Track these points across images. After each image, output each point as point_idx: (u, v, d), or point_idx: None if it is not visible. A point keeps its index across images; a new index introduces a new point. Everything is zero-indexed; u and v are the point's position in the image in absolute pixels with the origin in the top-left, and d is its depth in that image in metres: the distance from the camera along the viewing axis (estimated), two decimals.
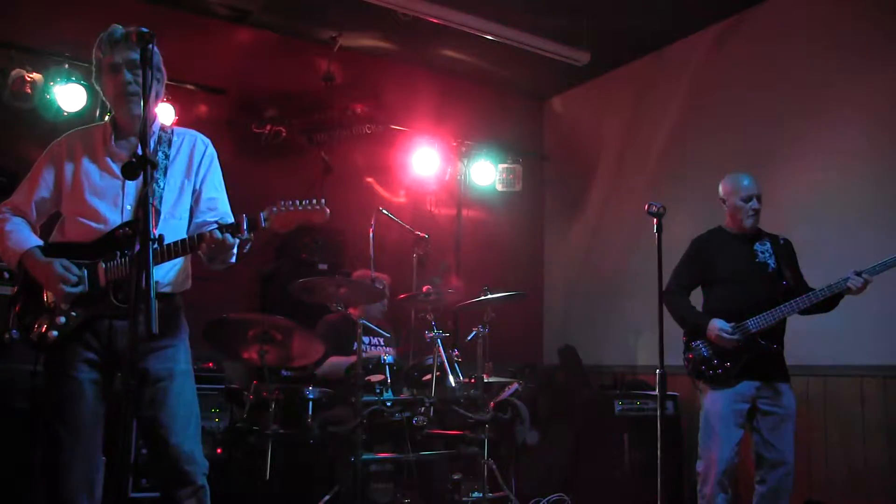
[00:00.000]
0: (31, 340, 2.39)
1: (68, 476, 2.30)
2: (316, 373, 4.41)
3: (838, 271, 3.46)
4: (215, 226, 2.34)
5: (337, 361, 4.36)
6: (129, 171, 2.01)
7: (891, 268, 3.36)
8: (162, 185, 2.45)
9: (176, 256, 2.38)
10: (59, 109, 4.70)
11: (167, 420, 2.39)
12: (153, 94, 2.47)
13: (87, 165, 2.46)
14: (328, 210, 2.31)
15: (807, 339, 3.93)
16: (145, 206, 1.96)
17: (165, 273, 2.48)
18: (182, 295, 2.60)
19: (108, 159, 2.47)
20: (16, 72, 4.58)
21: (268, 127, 5.45)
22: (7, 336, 2.40)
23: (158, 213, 2.42)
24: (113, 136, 2.50)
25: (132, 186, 2.43)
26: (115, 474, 2.32)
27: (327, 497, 3.77)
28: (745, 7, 5.26)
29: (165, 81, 2.59)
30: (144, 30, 2.11)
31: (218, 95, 5.39)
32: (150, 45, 2.10)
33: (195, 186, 2.57)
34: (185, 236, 2.41)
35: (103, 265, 2.38)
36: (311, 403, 4.05)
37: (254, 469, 3.89)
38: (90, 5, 5.00)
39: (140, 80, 2.32)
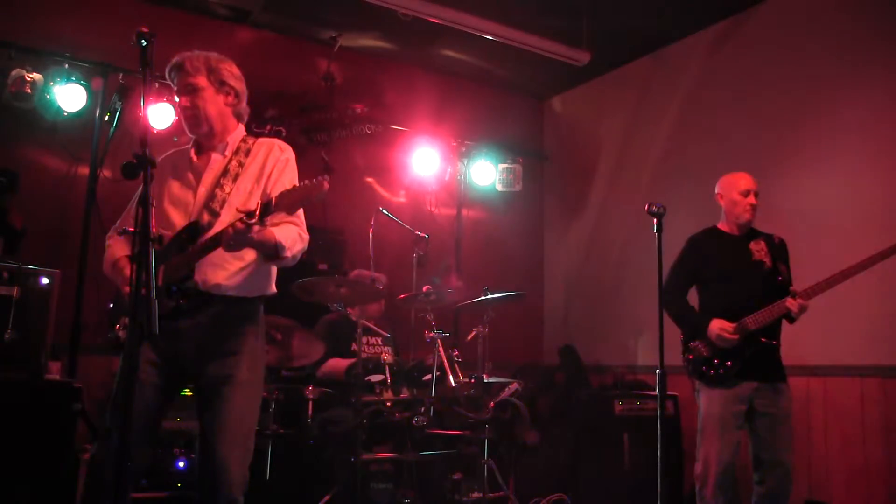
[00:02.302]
0: (110, 339, 2.53)
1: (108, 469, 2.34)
2: (317, 374, 4.40)
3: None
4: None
5: (336, 363, 4.36)
6: (127, 171, 2.04)
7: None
8: (228, 189, 2.59)
9: (202, 254, 2.44)
10: (59, 109, 4.70)
11: (216, 427, 2.46)
12: (230, 111, 2.69)
13: (172, 181, 2.65)
14: (326, 184, 2.34)
15: (807, 339, 3.92)
16: (145, 206, 1.98)
17: (230, 275, 2.53)
18: (258, 300, 2.63)
19: (190, 174, 2.65)
20: (16, 72, 4.57)
21: (268, 127, 5.43)
22: (7, 336, 2.41)
23: (217, 215, 2.53)
24: (194, 151, 2.70)
25: (202, 195, 2.58)
26: (115, 474, 2.32)
27: (327, 497, 3.78)
28: (745, 7, 5.26)
29: (241, 96, 2.74)
30: (144, 29, 2.11)
31: None
32: (147, 43, 2.11)
33: (264, 189, 2.64)
34: None
35: (162, 267, 2.47)
36: (311, 403, 4.05)
37: (254, 469, 3.88)
38: (90, 5, 5.00)
39: (196, 101, 2.59)
